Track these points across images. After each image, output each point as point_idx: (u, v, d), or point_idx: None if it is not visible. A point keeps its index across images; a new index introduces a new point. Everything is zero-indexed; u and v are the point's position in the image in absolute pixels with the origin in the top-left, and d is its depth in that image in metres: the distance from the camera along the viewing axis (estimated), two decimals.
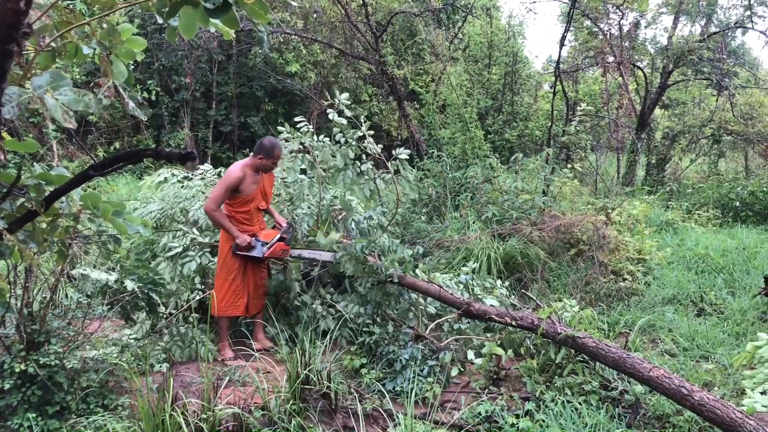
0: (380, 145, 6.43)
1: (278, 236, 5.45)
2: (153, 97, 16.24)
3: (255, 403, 4.24)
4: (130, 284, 5.11)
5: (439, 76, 15.77)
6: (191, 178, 6.98)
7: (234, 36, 2.75)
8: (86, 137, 16.31)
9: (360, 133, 6.30)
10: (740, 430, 3.29)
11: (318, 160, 6.47)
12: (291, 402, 4.01)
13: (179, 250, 5.99)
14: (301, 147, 6.56)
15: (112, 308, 5.00)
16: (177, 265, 5.94)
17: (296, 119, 6.50)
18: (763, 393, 4.55)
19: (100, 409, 4.14)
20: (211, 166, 7.37)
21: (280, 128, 6.63)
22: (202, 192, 6.68)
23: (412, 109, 17.02)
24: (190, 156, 1.72)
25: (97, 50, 2.27)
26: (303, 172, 6.75)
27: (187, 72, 17.09)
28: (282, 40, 16.11)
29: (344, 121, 6.32)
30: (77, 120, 16.40)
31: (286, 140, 6.54)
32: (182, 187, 6.81)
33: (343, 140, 6.41)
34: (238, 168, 5.33)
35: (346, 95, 6.31)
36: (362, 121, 6.32)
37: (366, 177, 6.57)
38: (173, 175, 7.04)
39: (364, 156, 6.59)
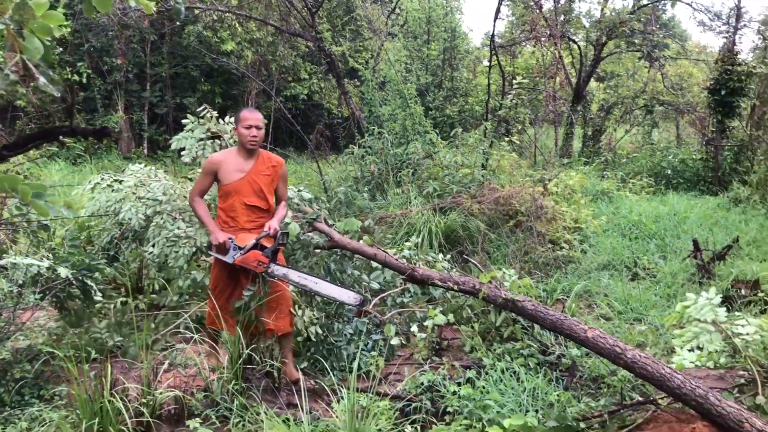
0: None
1: (253, 241, 4.28)
2: (84, 80, 15.69)
3: (197, 385, 4.20)
4: (63, 271, 4.96)
5: (377, 52, 15.71)
6: (122, 181, 6.80)
7: (155, 11, 2.67)
8: (14, 122, 15.67)
9: None
10: (669, 384, 3.43)
11: (230, 143, 6.34)
12: (234, 382, 3.99)
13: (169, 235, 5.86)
14: (210, 134, 6.38)
15: (45, 297, 4.85)
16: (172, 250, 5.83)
17: (199, 109, 6.34)
18: (691, 350, 4.76)
19: (35, 400, 4.03)
20: (142, 165, 7.20)
21: (184, 121, 6.41)
22: (134, 193, 6.51)
23: (352, 86, 16.93)
24: (105, 131, 1.67)
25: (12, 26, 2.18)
26: None
27: (118, 53, 16.56)
28: (216, 17, 15.75)
29: None
30: (4, 104, 15.66)
31: (192, 130, 6.32)
32: (113, 190, 6.64)
33: None
34: (219, 152, 4.74)
35: None
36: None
37: None
38: (103, 179, 6.86)
39: None
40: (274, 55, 17.84)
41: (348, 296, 4.40)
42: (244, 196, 4.44)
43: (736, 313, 5.24)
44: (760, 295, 5.80)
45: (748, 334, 4.70)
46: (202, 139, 6.40)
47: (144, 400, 3.64)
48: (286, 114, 12.70)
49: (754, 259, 7.40)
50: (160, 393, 3.78)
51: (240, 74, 17.94)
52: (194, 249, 6.06)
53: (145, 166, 7.25)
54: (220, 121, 6.48)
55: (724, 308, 5.11)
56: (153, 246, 6.09)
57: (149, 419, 3.52)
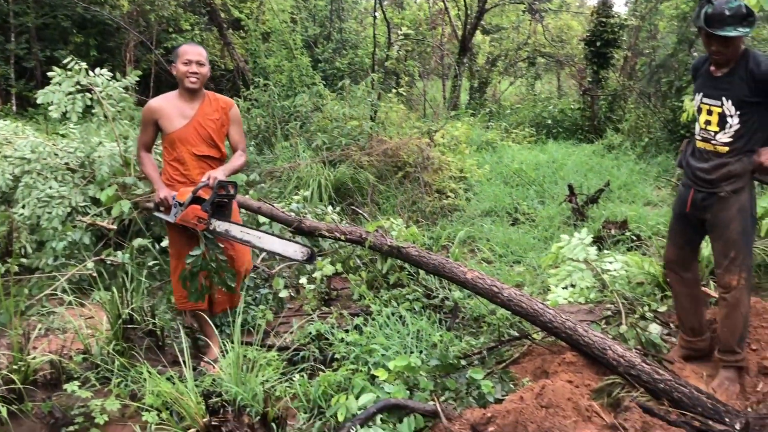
0: None
1: (190, 195, 3.71)
2: None
3: (77, 349, 4.04)
4: None
5: (261, 1, 15.23)
6: None
7: None
8: None
9: None
10: (541, 319, 3.63)
11: (102, 96, 5.99)
12: (114, 343, 3.86)
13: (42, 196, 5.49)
14: (79, 87, 5.98)
15: None
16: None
17: (64, 61, 5.94)
18: (564, 288, 5.07)
19: None
20: (8, 122, 6.69)
21: (50, 74, 5.99)
22: None
23: (237, 37, 16.35)
24: None
25: None
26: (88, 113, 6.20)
27: None
28: None
29: None
30: None
31: (59, 84, 5.91)
32: None
33: None
34: (157, 97, 4.08)
35: None
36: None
37: None
38: None
39: None
40: (153, 4, 16.87)
41: (294, 250, 3.95)
42: (192, 145, 3.90)
43: (606, 252, 5.60)
44: (628, 234, 6.23)
45: (615, 270, 5.06)
46: (71, 93, 6.02)
47: (15, 367, 3.46)
48: (167, 67, 12.10)
49: (624, 202, 7.94)
50: (33, 358, 3.60)
51: (116, 25, 16.90)
52: (69, 209, 5.76)
53: (13, 123, 6.78)
54: (90, 73, 6.11)
55: (595, 247, 5.48)
56: (23, 207, 5.74)
57: (20, 386, 3.36)
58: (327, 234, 4.99)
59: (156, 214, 3.97)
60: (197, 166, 3.93)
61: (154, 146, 4.20)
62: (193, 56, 3.84)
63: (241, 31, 17.01)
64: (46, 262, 5.48)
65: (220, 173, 3.76)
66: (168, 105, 3.92)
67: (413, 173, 8.05)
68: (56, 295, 4.84)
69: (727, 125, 3.21)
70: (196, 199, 3.71)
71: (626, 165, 10.05)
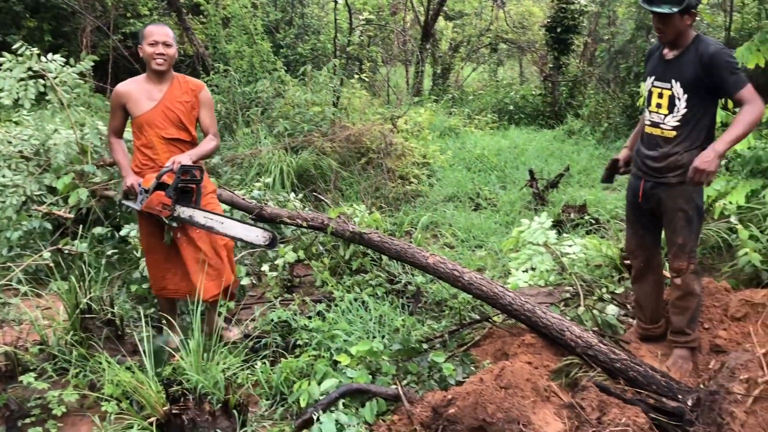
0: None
1: (154, 181, 3.65)
2: None
3: (33, 340, 3.96)
4: None
5: None
6: None
7: None
8: None
9: None
10: (501, 302, 3.68)
11: (56, 82, 5.83)
12: (72, 333, 3.79)
13: None
14: (32, 73, 5.81)
15: None
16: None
17: (15, 46, 5.77)
18: (525, 271, 5.14)
19: None
20: None
21: (0, 59, 5.82)
22: None
23: (197, 22, 16.07)
24: None
25: None
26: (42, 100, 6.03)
27: None
28: None
29: None
30: None
31: (10, 70, 5.74)
32: None
33: None
34: (124, 81, 3.96)
35: None
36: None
37: None
38: None
39: None
40: None
41: (256, 235, 3.87)
42: (161, 128, 3.81)
43: (565, 235, 5.69)
44: (587, 217, 6.34)
45: (574, 253, 5.15)
46: (23, 79, 5.86)
47: None
48: (124, 53, 11.86)
49: (584, 186, 8.06)
50: None
51: (71, 9, 16.46)
52: (23, 198, 5.62)
53: None
54: (43, 58, 5.95)
55: (555, 231, 5.56)
56: None
57: None
58: (289, 221, 4.97)
59: (124, 202, 3.91)
60: (166, 150, 3.85)
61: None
62: (159, 37, 3.75)
63: (201, 16, 16.71)
64: (0, 252, 5.36)
65: (185, 157, 3.69)
66: (136, 88, 3.84)
67: (376, 159, 8.05)
68: (11, 285, 4.73)
69: (676, 108, 3.29)
70: (161, 185, 3.64)
71: (586, 150, 10.20)
